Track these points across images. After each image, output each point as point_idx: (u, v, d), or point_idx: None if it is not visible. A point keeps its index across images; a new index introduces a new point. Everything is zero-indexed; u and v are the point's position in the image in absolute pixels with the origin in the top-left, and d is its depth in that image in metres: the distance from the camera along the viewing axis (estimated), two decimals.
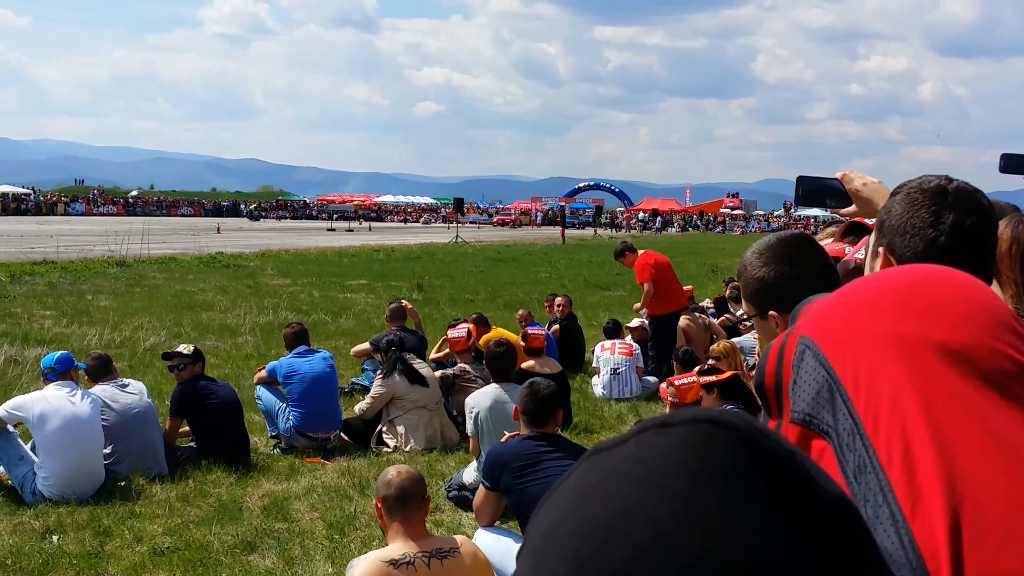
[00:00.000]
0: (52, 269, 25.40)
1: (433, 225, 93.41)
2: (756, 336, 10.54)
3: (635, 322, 12.87)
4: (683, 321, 12.51)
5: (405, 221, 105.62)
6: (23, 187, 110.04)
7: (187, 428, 8.30)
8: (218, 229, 58.38)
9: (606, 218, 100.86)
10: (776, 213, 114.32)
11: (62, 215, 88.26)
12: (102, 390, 7.72)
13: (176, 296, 20.55)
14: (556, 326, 12.63)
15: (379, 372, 9.22)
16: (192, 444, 8.27)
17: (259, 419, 8.99)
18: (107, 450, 7.47)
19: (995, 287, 2.52)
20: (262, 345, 13.92)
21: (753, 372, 7.66)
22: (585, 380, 11.97)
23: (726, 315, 14.03)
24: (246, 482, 7.61)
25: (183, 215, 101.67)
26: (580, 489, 0.67)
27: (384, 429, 8.88)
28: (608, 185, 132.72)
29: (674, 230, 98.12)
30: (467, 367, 9.42)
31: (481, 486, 5.75)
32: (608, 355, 11.42)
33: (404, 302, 11.71)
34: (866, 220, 2.83)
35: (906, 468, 1.12)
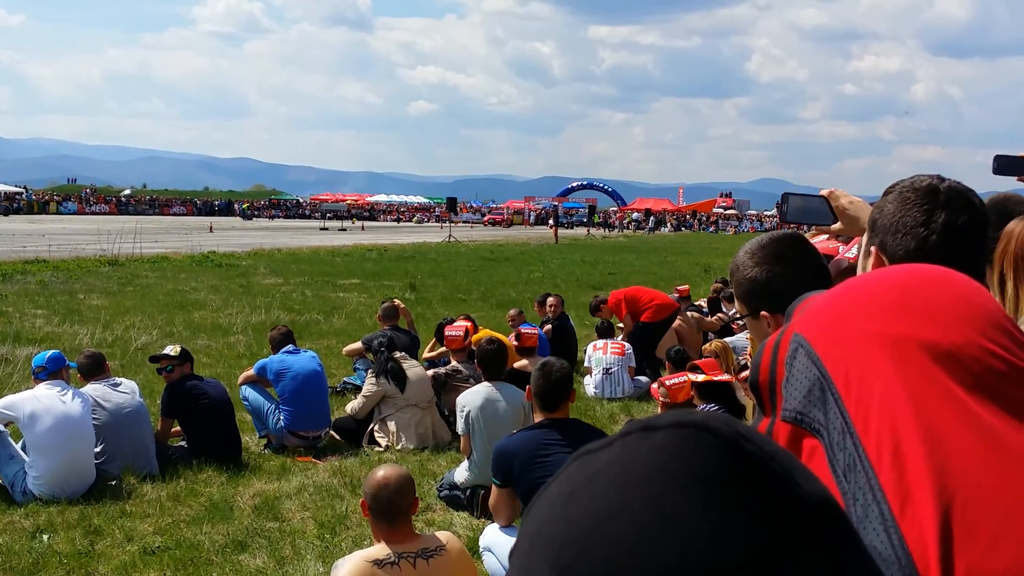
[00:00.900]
0: (44, 268, 25.33)
1: (426, 224, 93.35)
2: (748, 336, 10.57)
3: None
4: (676, 321, 12.56)
5: (398, 220, 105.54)
6: (15, 186, 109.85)
7: (179, 428, 8.29)
8: (211, 228, 58.29)
9: (599, 218, 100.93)
10: (769, 213, 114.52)
11: (54, 214, 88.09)
12: (94, 389, 7.70)
13: (168, 295, 20.50)
14: (548, 326, 12.64)
15: (371, 371, 9.22)
16: (183, 444, 8.25)
17: (250, 419, 8.97)
18: (98, 449, 7.46)
19: (1000, 287, 2.51)
20: (254, 344, 13.88)
21: (744, 372, 7.68)
22: (577, 380, 11.97)
23: (719, 314, 14.04)
24: (237, 481, 7.59)
25: (176, 214, 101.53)
26: (565, 492, 0.67)
27: (376, 428, 8.88)
28: (601, 185, 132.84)
29: (667, 230, 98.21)
30: (460, 366, 9.40)
31: (494, 485, 5.71)
32: (600, 355, 11.42)
33: (397, 301, 11.70)
34: (847, 254, 2.83)
35: (896, 467, 1.12)
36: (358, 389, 9.66)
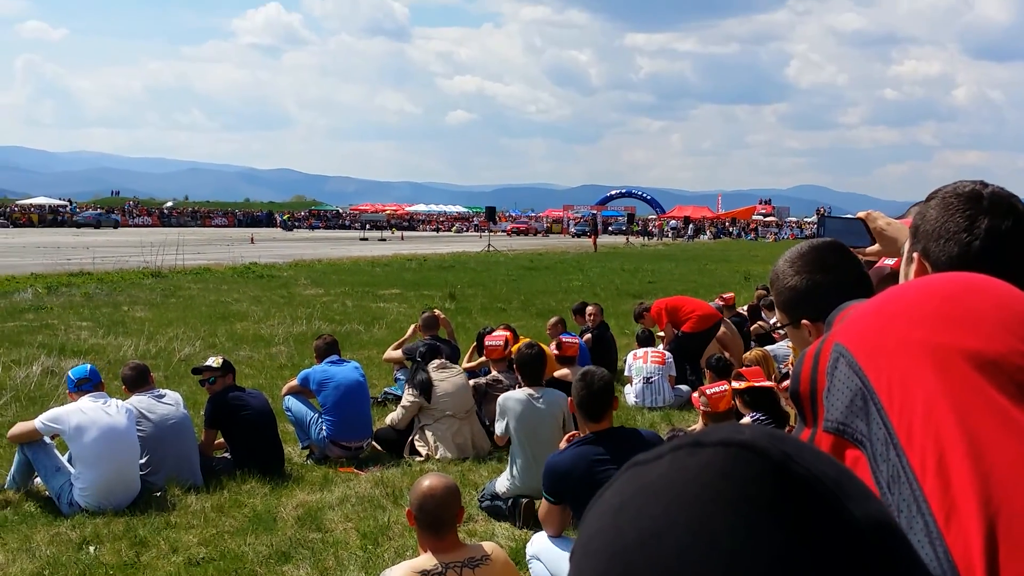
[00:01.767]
0: (88, 280, 25.61)
1: (465, 234, 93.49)
2: (790, 344, 10.50)
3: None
4: (720, 330, 12.50)
5: (437, 230, 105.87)
6: (60, 199, 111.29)
7: (222, 439, 8.35)
8: (252, 239, 58.71)
9: (638, 226, 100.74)
10: (809, 219, 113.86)
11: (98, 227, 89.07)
12: (139, 400, 7.77)
13: (211, 306, 20.67)
14: (588, 335, 12.61)
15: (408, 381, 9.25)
16: (227, 455, 8.30)
17: (292, 429, 9.01)
18: (143, 461, 7.52)
19: None
20: (296, 355, 13.97)
21: (786, 381, 7.62)
22: (618, 389, 11.93)
23: (759, 322, 13.94)
24: (280, 492, 7.63)
25: (217, 226, 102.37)
26: (616, 504, 0.67)
27: (416, 438, 8.89)
28: (640, 192, 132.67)
29: (706, 237, 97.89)
30: (500, 376, 9.38)
31: (544, 500, 5.68)
32: (641, 364, 11.37)
33: (436, 311, 11.72)
34: (887, 261, 2.81)
35: (940, 478, 1.11)
36: (399, 399, 9.68)
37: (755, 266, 39.07)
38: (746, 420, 7.08)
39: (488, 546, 4.39)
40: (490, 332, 10.36)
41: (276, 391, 9.81)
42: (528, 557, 5.70)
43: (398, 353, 10.97)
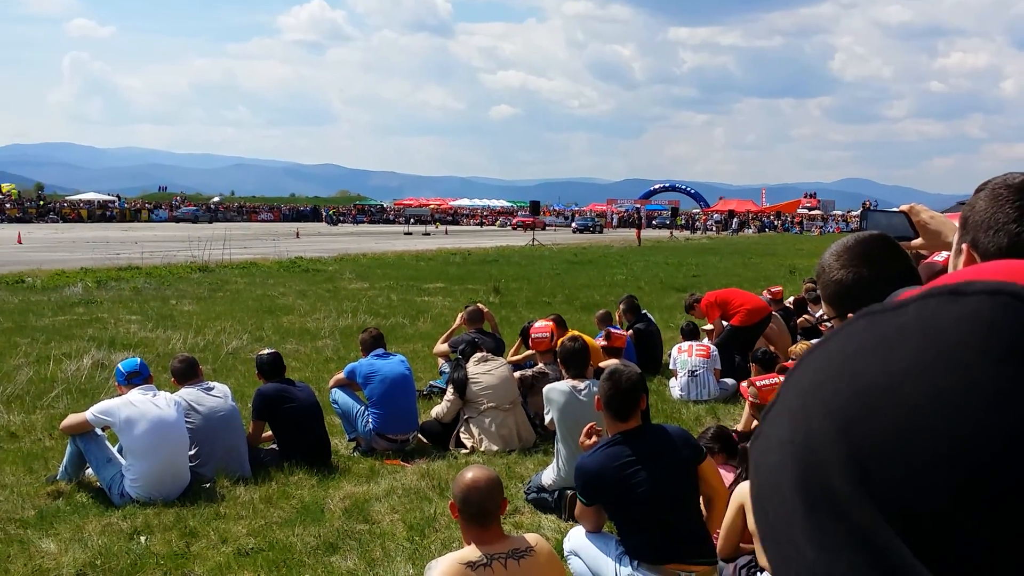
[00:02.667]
0: (137, 275, 25.92)
1: (509, 228, 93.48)
2: None
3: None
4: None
5: (481, 224, 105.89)
6: (108, 194, 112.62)
7: (270, 432, 8.42)
8: (297, 234, 59.08)
9: (682, 220, 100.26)
10: (854, 213, 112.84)
11: (146, 221, 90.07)
12: (187, 393, 7.86)
13: (257, 300, 20.83)
14: (631, 329, 12.59)
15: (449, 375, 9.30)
16: (275, 447, 8.38)
17: (339, 422, 9.08)
18: (192, 452, 7.61)
19: None
20: (341, 348, 14.05)
21: None
22: (663, 382, 11.91)
23: (804, 316, 13.84)
24: (327, 484, 7.69)
25: (263, 220, 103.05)
26: (850, 349, 0.64)
27: (461, 430, 8.92)
28: (684, 187, 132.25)
29: (751, 231, 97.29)
30: (546, 368, 9.38)
31: (578, 500, 5.67)
32: (685, 357, 11.32)
33: (480, 305, 11.75)
34: (937, 256, 2.79)
35: None
36: (444, 392, 9.72)
37: (800, 260, 38.79)
38: None
39: (532, 538, 4.39)
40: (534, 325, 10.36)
41: (322, 384, 9.88)
42: (566, 553, 5.68)
43: (445, 347, 11.02)
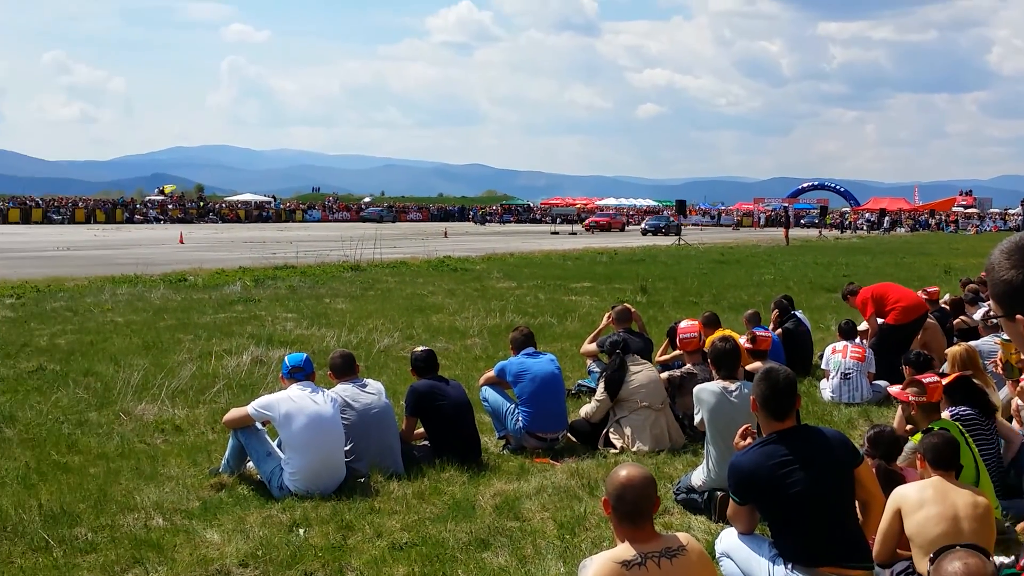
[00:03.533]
0: (292, 273, 26.65)
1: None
2: (997, 340, 10.07)
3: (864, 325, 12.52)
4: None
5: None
6: (264, 195, 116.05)
7: (422, 429, 8.57)
8: (445, 233, 59.81)
9: (831, 219, 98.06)
10: (1013, 211, 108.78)
11: (300, 222, 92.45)
12: (343, 389, 8.05)
13: (407, 299, 21.19)
14: (779, 329, 12.40)
15: (603, 374, 9.28)
16: (427, 443, 8.53)
17: (488, 420, 9.18)
18: (347, 448, 7.77)
19: None
20: (490, 347, 14.18)
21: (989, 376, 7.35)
22: (813, 383, 11.70)
23: (962, 317, 13.38)
24: (478, 481, 7.78)
25: (412, 220, 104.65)
26: None
27: (611, 430, 8.92)
28: (833, 185, 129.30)
29: (903, 230, 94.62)
30: (694, 369, 9.31)
31: (731, 500, 5.64)
32: (839, 358, 11.08)
33: (628, 305, 11.73)
34: None
35: None
36: (592, 392, 9.72)
37: (956, 259, 37.61)
38: (945, 415, 6.90)
39: (683, 537, 4.36)
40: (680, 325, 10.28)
41: (472, 382, 9.99)
42: (718, 555, 5.62)
43: (593, 346, 11.04)
